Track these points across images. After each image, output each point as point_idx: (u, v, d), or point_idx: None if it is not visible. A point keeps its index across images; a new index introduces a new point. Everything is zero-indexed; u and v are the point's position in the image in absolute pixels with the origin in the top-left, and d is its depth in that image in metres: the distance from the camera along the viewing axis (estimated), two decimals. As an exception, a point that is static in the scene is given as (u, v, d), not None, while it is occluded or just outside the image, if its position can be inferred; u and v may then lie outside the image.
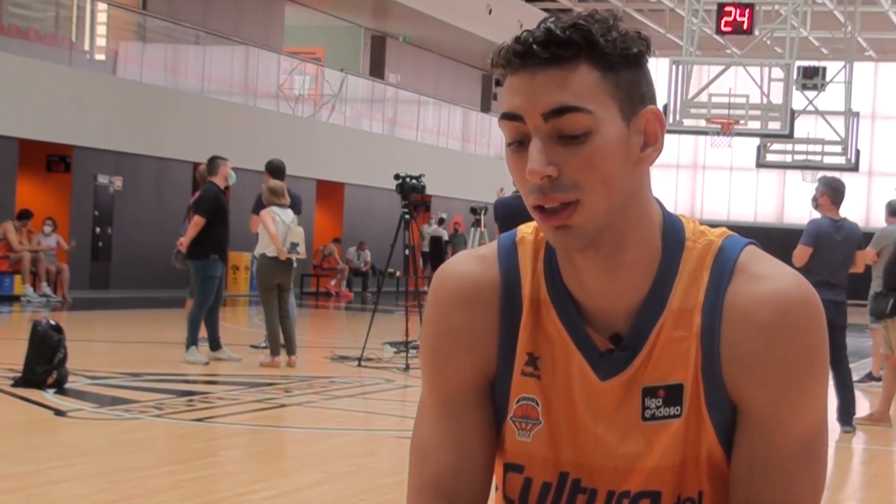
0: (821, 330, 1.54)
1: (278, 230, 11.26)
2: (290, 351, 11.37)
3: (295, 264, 11.63)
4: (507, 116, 1.50)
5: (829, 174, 10.20)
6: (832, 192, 9.03)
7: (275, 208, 11.39)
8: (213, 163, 11.58)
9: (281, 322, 11.37)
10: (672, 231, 1.58)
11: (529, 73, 1.47)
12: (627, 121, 1.50)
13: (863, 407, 10.05)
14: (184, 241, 11.30)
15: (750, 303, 1.53)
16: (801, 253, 8.75)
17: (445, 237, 29.18)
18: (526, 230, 1.65)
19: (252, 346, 12.63)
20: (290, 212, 11.50)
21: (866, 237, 9.31)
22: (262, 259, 11.36)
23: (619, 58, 1.48)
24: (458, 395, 1.64)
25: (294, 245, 11.31)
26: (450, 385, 1.64)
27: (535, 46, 1.46)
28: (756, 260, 1.56)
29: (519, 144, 1.50)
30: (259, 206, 12.13)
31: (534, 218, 1.52)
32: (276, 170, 12.37)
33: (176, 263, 11.61)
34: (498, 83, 1.54)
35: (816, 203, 9.22)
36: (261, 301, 11.48)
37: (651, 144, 1.53)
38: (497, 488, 1.69)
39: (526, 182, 1.49)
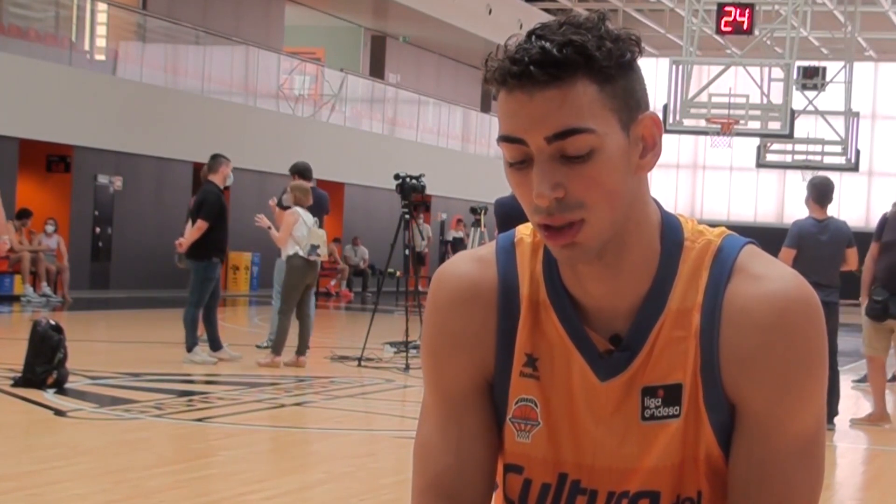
0: (820, 331, 1.54)
1: (300, 232, 11.26)
2: (301, 351, 11.39)
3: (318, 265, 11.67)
4: (508, 139, 1.48)
5: (827, 174, 10.19)
6: (814, 192, 9.04)
7: (300, 209, 11.39)
8: (215, 161, 11.55)
9: (301, 321, 11.40)
10: (670, 231, 1.58)
11: (527, 93, 1.45)
12: (626, 130, 1.49)
13: (864, 407, 10.05)
14: (183, 242, 11.28)
15: (749, 303, 1.53)
16: (785, 255, 8.72)
17: (449, 238, 29.18)
18: (524, 231, 1.65)
19: (257, 346, 12.61)
20: (310, 214, 11.49)
21: (863, 236, 9.27)
22: (294, 259, 11.30)
23: (614, 68, 1.47)
24: (458, 396, 1.64)
25: (314, 247, 11.31)
26: (449, 386, 1.64)
27: (532, 68, 1.44)
28: (755, 259, 1.56)
29: (521, 164, 1.49)
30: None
31: (539, 235, 1.51)
32: (302, 171, 12.37)
33: (180, 265, 11.60)
34: (494, 97, 1.53)
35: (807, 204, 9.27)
36: (283, 300, 11.37)
37: (650, 150, 1.52)
38: (497, 487, 1.69)
39: (531, 201, 1.48)
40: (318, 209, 11.81)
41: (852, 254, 8.94)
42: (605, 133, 1.46)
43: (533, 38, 1.46)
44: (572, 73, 1.44)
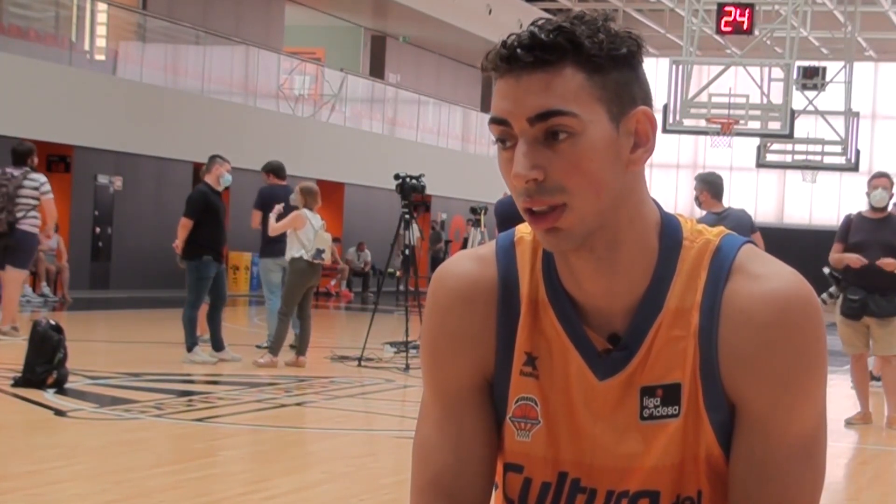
0: (819, 329, 1.54)
1: (307, 235, 11.26)
2: (301, 351, 11.39)
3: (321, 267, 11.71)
4: (495, 121, 1.51)
5: (827, 174, 10.31)
6: (710, 187, 9.26)
7: (307, 212, 11.38)
8: (210, 161, 11.59)
9: (302, 323, 11.41)
10: (669, 231, 1.58)
11: (515, 76, 1.48)
12: (616, 122, 1.50)
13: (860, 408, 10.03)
14: (178, 244, 11.35)
15: (748, 302, 1.53)
16: None
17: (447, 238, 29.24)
18: (524, 230, 1.65)
19: (257, 347, 12.60)
20: (318, 216, 11.49)
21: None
22: (298, 262, 11.30)
23: (606, 59, 1.48)
24: (457, 395, 1.64)
25: (320, 252, 11.34)
26: (449, 385, 1.65)
27: (519, 50, 1.47)
28: (753, 259, 1.57)
29: (506, 144, 1.51)
30: (261, 203, 12.13)
31: (525, 220, 1.53)
32: (277, 170, 12.42)
33: (181, 265, 11.63)
34: None
35: (699, 202, 9.36)
36: (284, 302, 11.37)
37: (642, 145, 1.53)
38: (497, 487, 1.69)
39: (514, 185, 1.49)
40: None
41: (757, 238, 8.97)
42: (589, 120, 1.47)
43: (528, 28, 1.50)
44: (560, 58, 1.47)
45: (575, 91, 1.47)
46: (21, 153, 12.13)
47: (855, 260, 8.91)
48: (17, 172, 11.98)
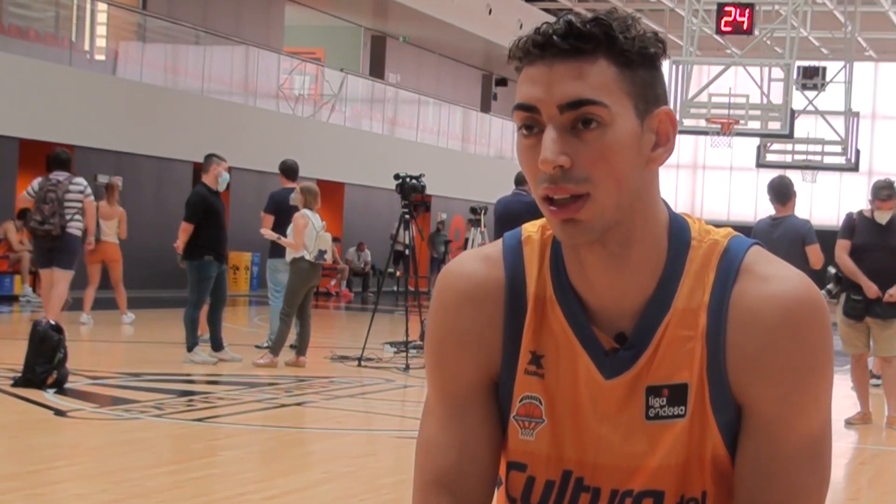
0: (826, 331, 1.54)
1: (309, 236, 11.24)
2: (301, 351, 11.39)
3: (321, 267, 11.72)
4: (523, 107, 1.50)
5: (827, 174, 10.29)
6: (769, 190, 9.29)
7: (308, 212, 11.36)
8: (207, 161, 11.58)
9: (303, 323, 11.41)
10: (678, 231, 1.58)
11: (548, 64, 1.48)
12: (641, 119, 1.51)
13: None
14: (178, 245, 11.36)
15: (756, 303, 1.53)
16: None
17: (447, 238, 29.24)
18: (531, 229, 1.65)
19: (256, 347, 12.60)
20: (318, 216, 11.47)
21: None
22: (301, 262, 11.28)
23: (636, 56, 1.49)
24: (462, 395, 1.64)
25: (322, 253, 11.35)
26: (454, 385, 1.64)
27: (555, 38, 1.47)
28: (761, 261, 1.57)
29: (532, 132, 1.50)
30: (272, 206, 12.09)
31: (542, 211, 1.52)
32: (289, 171, 12.39)
33: (182, 265, 11.64)
34: (498, 83, 1.55)
35: None
36: (286, 302, 11.35)
37: (662, 145, 1.54)
38: (500, 485, 1.69)
39: (537, 172, 1.49)
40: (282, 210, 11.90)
41: (813, 251, 8.89)
42: (618, 113, 1.48)
43: (560, 19, 1.50)
44: (594, 48, 1.48)
45: (607, 82, 1.48)
46: (64, 160, 12.78)
47: (871, 291, 8.88)
48: (61, 178, 12.47)
